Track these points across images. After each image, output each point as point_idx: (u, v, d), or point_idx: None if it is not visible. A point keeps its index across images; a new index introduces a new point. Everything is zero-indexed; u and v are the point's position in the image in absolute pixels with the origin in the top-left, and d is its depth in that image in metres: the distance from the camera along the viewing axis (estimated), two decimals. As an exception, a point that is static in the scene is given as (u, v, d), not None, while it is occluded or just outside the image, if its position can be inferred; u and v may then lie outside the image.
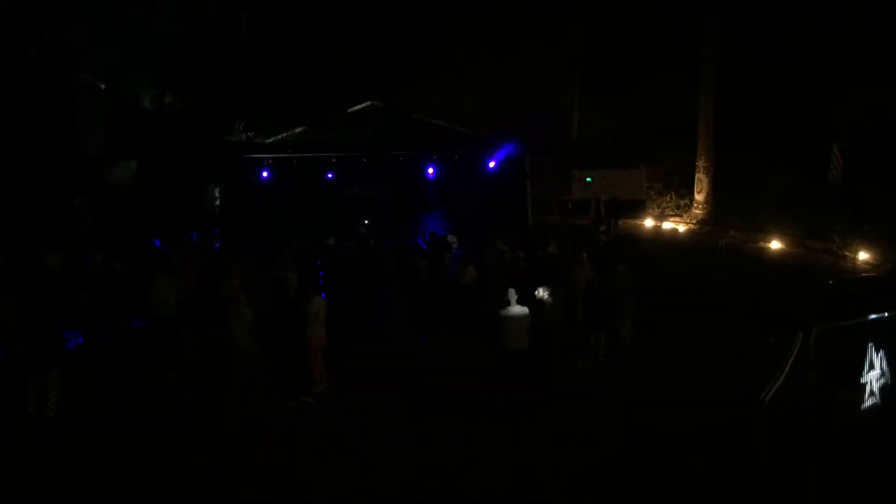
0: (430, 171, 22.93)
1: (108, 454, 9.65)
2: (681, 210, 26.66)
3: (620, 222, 24.32)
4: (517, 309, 11.25)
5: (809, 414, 7.89)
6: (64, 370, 10.89)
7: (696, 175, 25.69)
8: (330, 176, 23.06)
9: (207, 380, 11.85)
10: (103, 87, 20.78)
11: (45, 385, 10.64)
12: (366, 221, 21.99)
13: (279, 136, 23.08)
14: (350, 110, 22.74)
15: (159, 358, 12.35)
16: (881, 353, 8.37)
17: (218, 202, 23.28)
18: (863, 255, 20.00)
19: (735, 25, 24.84)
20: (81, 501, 8.61)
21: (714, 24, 24.81)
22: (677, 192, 27.03)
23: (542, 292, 11.83)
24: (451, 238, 18.14)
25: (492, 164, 22.79)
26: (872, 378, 8.49)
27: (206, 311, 12.87)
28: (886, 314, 8.39)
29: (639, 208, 26.05)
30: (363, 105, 22.72)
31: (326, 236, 17.83)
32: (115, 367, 12.39)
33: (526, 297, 11.55)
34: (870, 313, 10.35)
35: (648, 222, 25.85)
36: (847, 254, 20.69)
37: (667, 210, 26.91)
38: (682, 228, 25.50)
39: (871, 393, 8.51)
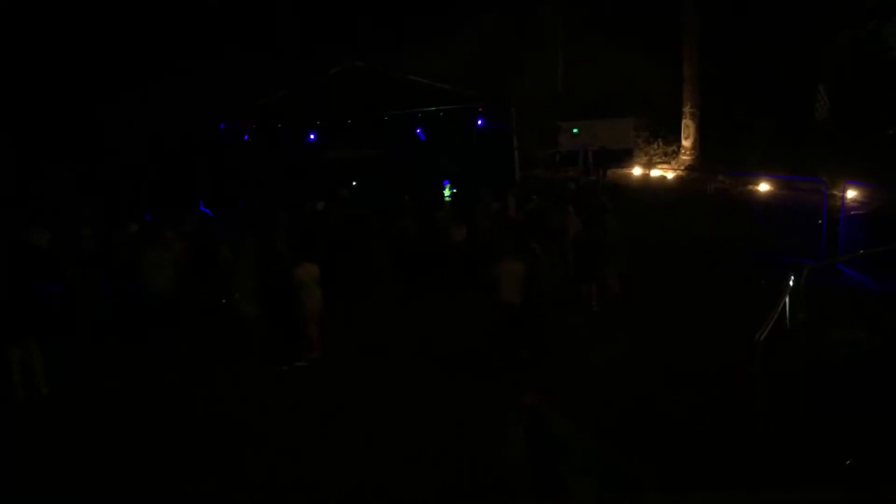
0: (418, 130, 22.75)
1: (107, 429, 9.72)
2: (669, 157, 26.58)
3: (609, 172, 24.25)
4: (511, 263, 11.24)
5: (804, 352, 7.98)
6: (50, 342, 10.86)
7: (683, 121, 25.59)
8: (312, 138, 22.82)
9: (205, 350, 11.93)
10: None
11: (29, 364, 10.56)
12: (353, 184, 21.90)
13: (262, 102, 22.75)
14: (332, 72, 22.41)
15: (156, 329, 12.34)
16: None
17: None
18: (851, 194, 20.05)
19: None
20: (82, 475, 8.66)
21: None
22: (665, 139, 26.94)
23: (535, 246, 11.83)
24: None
25: (479, 122, 22.60)
26: None
27: (202, 283, 12.88)
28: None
29: (627, 157, 26.01)
30: (345, 66, 22.39)
31: (314, 202, 17.72)
32: (111, 340, 12.43)
33: (519, 252, 11.55)
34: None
35: (637, 171, 25.79)
36: (836, 192, 20.74)
37: (655, 158, 26.82)
38: (670, 175, 25.46)
39: None
